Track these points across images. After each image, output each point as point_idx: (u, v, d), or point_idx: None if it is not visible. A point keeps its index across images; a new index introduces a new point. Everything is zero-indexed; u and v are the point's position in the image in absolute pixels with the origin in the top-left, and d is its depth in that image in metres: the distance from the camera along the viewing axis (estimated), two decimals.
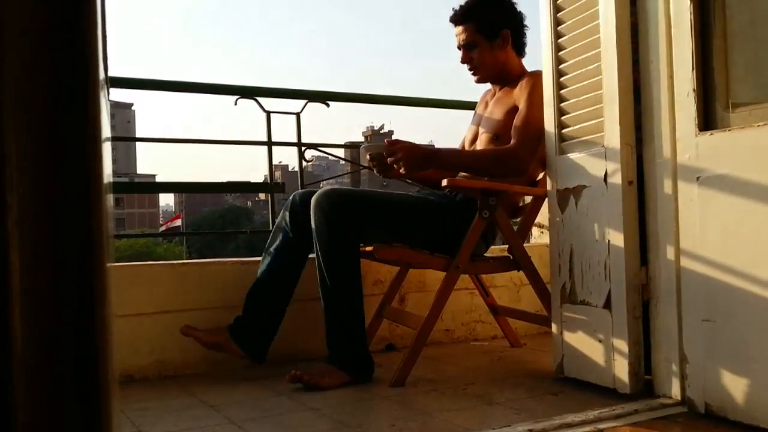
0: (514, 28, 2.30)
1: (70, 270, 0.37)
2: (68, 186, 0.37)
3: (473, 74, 2.33)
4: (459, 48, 2.31)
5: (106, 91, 0.41)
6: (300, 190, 2.25)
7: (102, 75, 0.42)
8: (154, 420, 1.73)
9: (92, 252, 0.38)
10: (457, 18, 2.29)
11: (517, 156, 2.11)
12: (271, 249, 2.21)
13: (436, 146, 2.32)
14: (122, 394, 1.97)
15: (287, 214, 2.20)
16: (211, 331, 2.17)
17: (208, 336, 2.15)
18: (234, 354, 2.13)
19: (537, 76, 2.18)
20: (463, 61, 2.31)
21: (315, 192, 2.14)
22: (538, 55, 2.09)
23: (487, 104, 2.38)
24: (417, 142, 2.13)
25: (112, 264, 0.41)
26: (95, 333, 0.38)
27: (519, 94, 2.21)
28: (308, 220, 2.11)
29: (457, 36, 2.30)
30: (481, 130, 2.33)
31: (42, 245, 0.36)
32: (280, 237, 2.20)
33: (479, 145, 2.30)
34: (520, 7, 2.32)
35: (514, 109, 2.21)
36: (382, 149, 2.11)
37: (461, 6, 2.28)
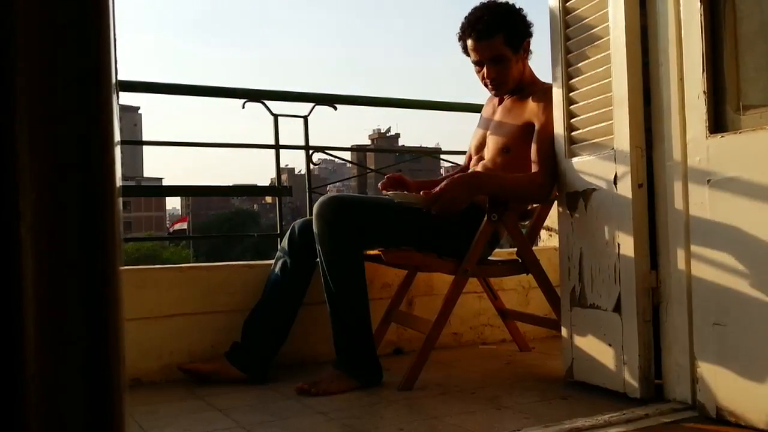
0: (531, 35, 2.23)
1: (84, 275, 0.37)
2: (82, 190, 0.37)
3: (494, 88, 2.23)
4: (478, 63, 2.19)
5: (116, 95, 0.41)
6: (299, 220, 2.25)
7: (114, 79, 0.42)
8: (162, 424, 1.73)
9: (106, 256, 0.38)
10: (483, 32, 2.13)
11: (544, 184, 2.05)
12: (272, 276, 2.23)
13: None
14: (130, 398, 1.97)
15: (286, 244, 2.22)
16: (207, 361, 2.20)
17: (204, 366, 2.17)
18: (233, 378, 2.13)
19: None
20: (488, 77, 2.19)
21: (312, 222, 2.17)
22: (547, 58, 2.08)
23: (494, 110, 2.31)
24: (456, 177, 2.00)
25: (123, 268, 0.41)
26: (108, 337, 0.38)
27: (536, 111, 2.13)
28: (306, 251, 2.16)
29: (477, 51, 2.16)
30: (489, 138, 2.27)
31: (55, 250, 0.36)
32: (279, 265, 2.22)
33: (487, 154, 2.25)
34: (526, 10, 2.28)
35: (528, 125, 2.13)
36: (418, 201, 1.99)
37: (483, 20, 2.14)
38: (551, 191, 2.09)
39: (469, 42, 2.17)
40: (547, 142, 2.07)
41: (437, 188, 1.98)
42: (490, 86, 2.23)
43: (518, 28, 2.18)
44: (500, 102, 2.30)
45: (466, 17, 2.20)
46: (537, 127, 2.11)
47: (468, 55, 2.21)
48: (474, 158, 2.33)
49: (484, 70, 2.19)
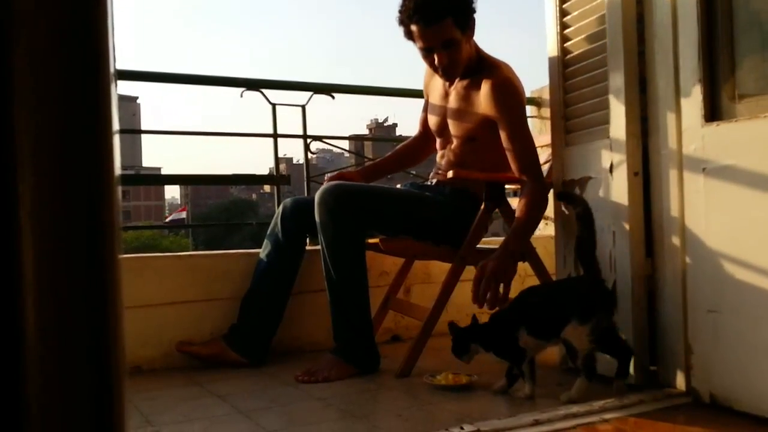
0: (476, 10, 2.05)
1: (84, 261, 0.37)
2: (81, 178, 0.37)
3: (447, 75, 2.09)
4: (427, 50, 2.03)
5: (114, 83, 0.42)
6: (289, 199, 2.27)
7: (112, 68, 0.42)
8: (162, 409, 1.75)
9: (105, 243, 0.38)
10: (431, 17, 1.96)
11: (544, 190, 2.04)
12: (263, 256, 2.23)
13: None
14: (130, 385, 1.98)
15: (278, 221, 2.22)
16: (206, 344, 2.21)
17: (204, 348, 2.19)
18: (233, 361, 2.15)
19: (504, 84, 2.02)
20: (442, 64, 2.03)
21: (304, 200, 2.20)
22: (543, 47, 2.07)
23: (446, 92, 2.18)
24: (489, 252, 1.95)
25: (122, 256, 0.42)
26: (108, 324, 0.39)
27: (494, 109, 2.02)
28: (298, 228, 2.19)
29: (425, 37, 2.00)
30: (451, 124, 2.17)
31: (55, 238, 0.36)
32: (272, 244, 2.22)
33: (453, 141, 2.18)
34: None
35: (488, 120, 2.04)
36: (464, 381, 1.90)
37: (429, 3, 1.96)
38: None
39: (415, 28, 2.00)
40: (522, 146, 2.01)
41: (487, 273, 1.94)
42: (442, 73, 2.09)
43: (466, 6, 2.02)
44: (450, 84, 2.18)
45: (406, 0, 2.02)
46: (503, 129, 2.02)
47: (412, 40, 2.05)
48: (438, 141, 2.27)
49: (435, 56, 2.04)
